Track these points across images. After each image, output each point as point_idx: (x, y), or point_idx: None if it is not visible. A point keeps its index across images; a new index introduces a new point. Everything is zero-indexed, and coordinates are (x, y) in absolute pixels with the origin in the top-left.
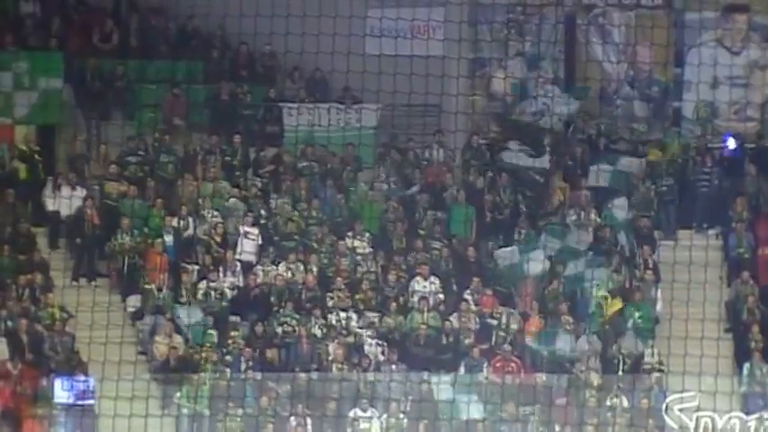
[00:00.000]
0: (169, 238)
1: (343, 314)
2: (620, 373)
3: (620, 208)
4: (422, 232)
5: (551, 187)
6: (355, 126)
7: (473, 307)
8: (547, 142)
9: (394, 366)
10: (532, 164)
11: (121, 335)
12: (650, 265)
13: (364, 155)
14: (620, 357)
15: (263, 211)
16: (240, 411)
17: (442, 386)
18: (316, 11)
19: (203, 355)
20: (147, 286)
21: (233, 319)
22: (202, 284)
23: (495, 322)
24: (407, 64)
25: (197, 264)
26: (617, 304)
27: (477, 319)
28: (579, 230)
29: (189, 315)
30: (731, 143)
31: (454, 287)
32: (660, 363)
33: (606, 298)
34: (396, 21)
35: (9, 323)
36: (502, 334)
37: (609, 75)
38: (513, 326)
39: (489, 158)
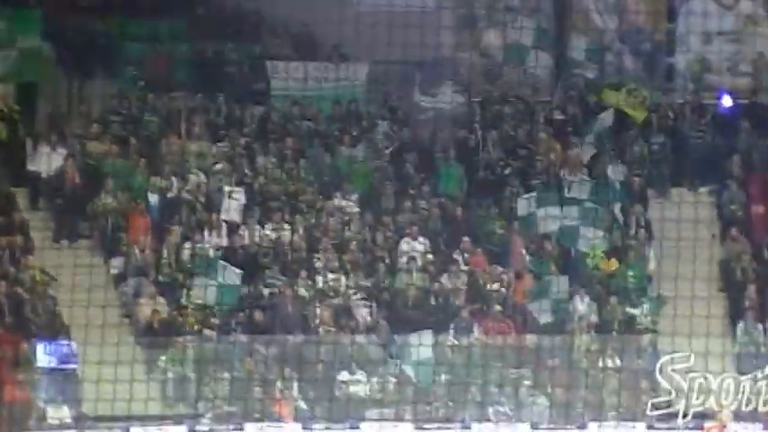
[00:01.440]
0: (153, 199)
1: (330, 275)
2: (613, 333)
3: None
4: (411, 192)
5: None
6: (344, 83)
7: (463, 267)
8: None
9: (382, 328)
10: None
11: (104, 298)
12: (642, 224)
13: (353, 113)
14: (613, 318)
15: (248, 171)
16: (226, 375)
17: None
18: None
19: (188, 318)
20: (129, 248)
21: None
22: (187, 245)
23: (485, 283)
24: (396, 18)
25: (181, 225)
26: (613, 264)
27: (467, 280)
28: (571, 189)
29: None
30: (726, 101)
31: (443, 247)
32: (653, 323)
33: (602, 258)
34: None
35: None
36: (493, 294)
37: (599, 29)
38: (505, 286)
39: (480, 116)
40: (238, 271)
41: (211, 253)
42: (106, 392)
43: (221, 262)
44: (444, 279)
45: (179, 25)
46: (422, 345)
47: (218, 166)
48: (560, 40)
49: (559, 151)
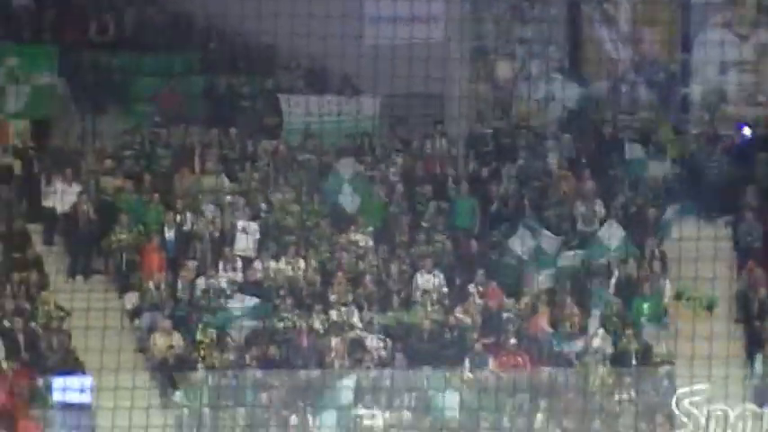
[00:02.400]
0: (167, 234)
1: (344, 309)
2: (629, 366)
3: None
4: (424, 225)
5: (556, 178)
6: (355, 117)
7: (477, 300)
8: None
9: (396, 362)
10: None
11: (119, 333)
12: (658, 256)
13: (366, 146)
14: (629, 350)
15: (262, 205)
16: (242, 409)
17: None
18: None
19: (202, 352)
20: (144, 284)
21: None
22: (200, 280)
23: (501, 315)
24: (407, 51)
25: (195, 259)
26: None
27: (483, 313)
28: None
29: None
30: (747, 132)
31: (457, 280)
32: (670, 355)
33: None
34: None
35: (4, 322)
36: (508, 327)
37: (614, 60)
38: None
39: (493, 148)
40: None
41: (226, 287)
42: (121, 427)
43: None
44: (459, 312)
45: (192, 60)
46: (436, 378)
47: (232, 201)
48: (573, 71)
49: (573, 183)
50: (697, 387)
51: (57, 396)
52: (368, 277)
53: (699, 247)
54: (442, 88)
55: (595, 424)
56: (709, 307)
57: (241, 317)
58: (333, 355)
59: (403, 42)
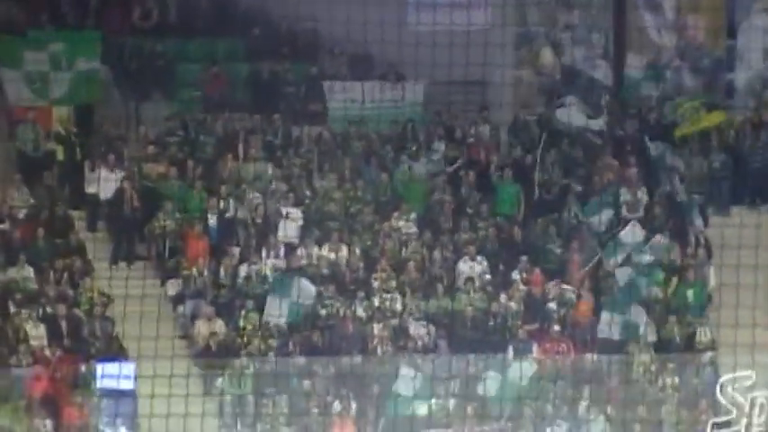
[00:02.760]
0: (211, 220)
1: (387, 296)
2: (673, 353)
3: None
4: (468, 211)
5: (601, 164)
6: (399, 103)
7: (521, 286)
8: (604, 101)
9: (440, 349)
10: (587, 124)
11: (162, 319)
12: (702, 242)
13: (410, 133)
14: (672, 336)
15: (306, 192)
16: (284, 396)
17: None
18: None
19: (245, 339)
20: (186, 271)
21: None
22: (243, 267)
23: (544, 302)
24: (450, 37)
25: (238, 246)
26: (672, 284)
27: (526, 300)
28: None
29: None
30: None
31: (501, 267)
32: (713, 341)
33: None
34: None
35: (47, 308)
36: (552, 314)
37: (659, 47)
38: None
39: (538, 134)
40: (313, 288)
41: (269, 274)
42: (163, 414)
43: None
44: (502, 299)
45: (236, 46)
46: (480, 365)
47: (276, 187)
48: (618, 58)
49: (617, 169)
50: (740, 374)
51: (100, 383)
52: (411, 264)
53: (742, 235)
54: (485, 75)
55: (639, 411)
56: None
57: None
58: (376, 341)
59: (446, 28)
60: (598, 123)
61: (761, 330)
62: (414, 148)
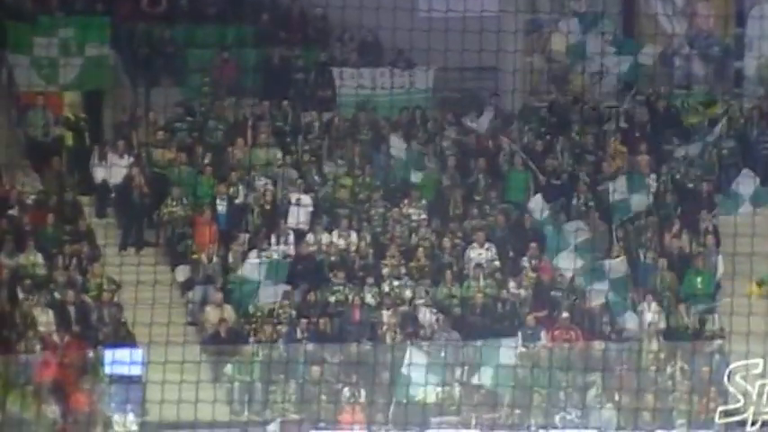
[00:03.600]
0: (221, 207)
1: (397, 283)
2: (682, 341)
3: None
4: (477, 198)
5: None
6: (409, 90)
7: (530, 274)
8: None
9: (448, 335)
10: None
11: (170, 305)
12: (711, 230)
13: (419, 119)
14: (681, 324)
15: (315, 178)
16: (293, 383)
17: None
18: None
19: (254, 326)
20: (195, 256)
21: (285, 288)
22: (253, 253)
23: (553, 289)
24: (460, 24)
25: (247, 232)
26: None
27: (535, 287)
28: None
29: None
30: None
31: (510, 254)
32: (721, 329)
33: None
34: None
35: (56, 294)
36: (561, 302)
37: (668, 34)
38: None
39: (547, 121)
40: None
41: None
42: (171, 400)
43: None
44: (511, 286)
45: (246, 32)
46: (488, 352)
47: (285, 173)
48: (628, 45)
49: (626, 157)
50: (749, 362)
51: (108, 369)
52: (420, 251)
53: (754, 223)
54: (495, 61)
55: (648, 398)
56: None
57: None
58: (385, 328)
59: (456, 15)
60: (608, 111)
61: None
62: (423, 135)
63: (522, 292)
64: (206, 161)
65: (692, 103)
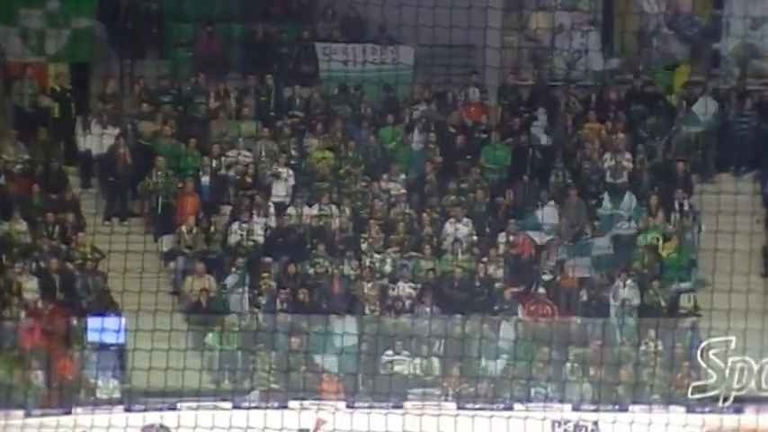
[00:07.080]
0: (205, 179)
1: (376, 256)
2: (656, 317)
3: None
4: (457, 174)
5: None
6: (391, 66)
7: (509, 250)
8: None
9: (427, 309)
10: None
11: (154, 275)
12: (687, 209)
13: (401, 95)
14: (656, 301)
15: (296, 152)
16: (273, 353)
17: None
18: None
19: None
20: (177, 228)
21: (265, 260)
22: (234, 225)
23: (530, 265)
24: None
25: (229, 204)
26: (670, 247)
27: (512, 263)
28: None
29: None
30: None
31: (488, 229)
32: (696, 307)
33: (658, 239)
34: None
35: (40, 262)
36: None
37: (646, 14)
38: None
39: (526, 99)
40: None
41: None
42: (154, 368)
43: None
44: (488, 261)
45: (231, 6)
46: (465, 326)
47: (267, 147)
48: (607, 24)
49: (604, 135)
50: (721, 339)
51: (91, 336)
52: (400, 225)
53: (726, 202)
54: (476, 38)
55: (622, 373)
56: None
57: None
58: (363, 301)
59: None
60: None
61: (740, 296)
62: (404, 111)
63: (499, 267)
64: (190, 134)
65: (669, 83)
